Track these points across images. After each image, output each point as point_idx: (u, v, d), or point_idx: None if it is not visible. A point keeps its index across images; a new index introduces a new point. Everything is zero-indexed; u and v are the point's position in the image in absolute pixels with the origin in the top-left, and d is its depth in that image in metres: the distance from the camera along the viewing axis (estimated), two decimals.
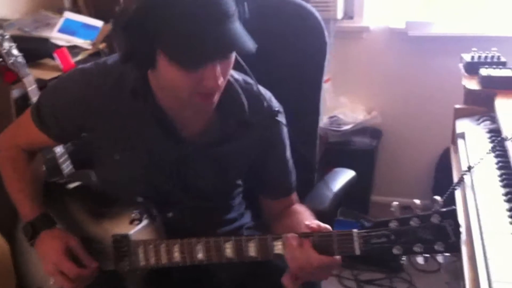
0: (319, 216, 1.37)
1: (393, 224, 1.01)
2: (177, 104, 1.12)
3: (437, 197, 1.02)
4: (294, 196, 1.32)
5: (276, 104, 1.25)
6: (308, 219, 1.17)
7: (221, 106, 1.16)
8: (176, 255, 1.13)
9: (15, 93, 1.89)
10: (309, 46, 1.52)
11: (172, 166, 1.19)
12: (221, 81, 1.02)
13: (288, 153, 1.28)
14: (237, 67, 1.16)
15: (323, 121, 2.74)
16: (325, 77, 2.31)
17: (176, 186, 1.21)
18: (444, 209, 1.00)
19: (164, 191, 1.20)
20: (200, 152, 1.19)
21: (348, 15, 2.66)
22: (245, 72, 1.19)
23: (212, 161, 1.20)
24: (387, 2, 2.64)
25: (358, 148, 2.68)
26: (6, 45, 1.71)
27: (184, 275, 1.22)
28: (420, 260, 1.02)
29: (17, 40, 1.88)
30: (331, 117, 2.73)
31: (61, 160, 1.86)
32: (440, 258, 1.02)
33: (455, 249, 1.00)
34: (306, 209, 1.27)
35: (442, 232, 0.99)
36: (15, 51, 1.74)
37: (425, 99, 2.66)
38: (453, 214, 0.99)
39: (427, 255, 1.01)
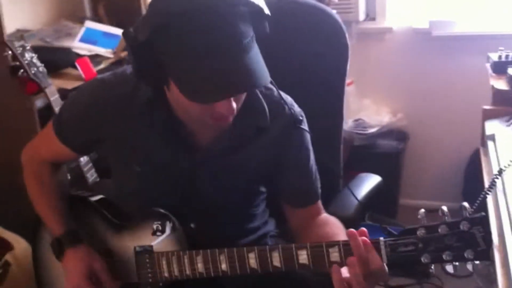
0: (344, 223, 1.36)
1: (420, 232, 0.98)
2: (191, 119, 1.11)
3: (466, 204, 0.99)
4: (319, 204, 1.29)
5: (298, 110, 1.22)
6: (342, 231, 1.15)
7: (241, 113, 1.13)
8: (200, 266, 1.11)
9: (38, 103, 1.90)
10: (330, 50, 1.50)
11: (187, 176, 1.18)
12: (235, 108, 1.01)
13: (312, 159, 1.25)
14: None
15: (348, 124, 2.71)
16: (347, 80, 2.29)
17: (194, 196, 1.19)
18: (473, 216, 0.96)
19: (183, 201, 1.19)
20: (214, 159, 1.17)
21: (370, 16, 2.63)
22: None
23: (226, 169, 1.18)
24: (409, 2, 2.60)
25: (384, 151, 2.64)
26: (28, 56, 1.72)
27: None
28: (449, 268, 0.99)
29: (39, 50, 1.89)
30: (356, 120, 2.70)
31: (85, 169, 1.87)
32: (470, 266, 0.99)
33: (486, 257, 0.96)
34: (336, 220, 1.24)
35: (471, 239, 0.96)
36: (36, 62, 1.75)
37: (451, 100, 2.60)
38: (482, 220, 0.96)
39: (457, 263, 0.98)
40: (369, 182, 1.55)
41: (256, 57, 0.98)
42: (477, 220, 0.96)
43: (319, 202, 1.29)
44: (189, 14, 0.92)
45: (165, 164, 1.17)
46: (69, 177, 1.98)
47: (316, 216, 1.27)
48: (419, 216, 1.01)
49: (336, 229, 1.17)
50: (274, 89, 1.19)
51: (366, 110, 2.71)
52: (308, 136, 1.23)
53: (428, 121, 2.69)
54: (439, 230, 0.97)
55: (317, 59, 1.50)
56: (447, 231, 0.97)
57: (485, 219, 0.96)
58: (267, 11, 1.02)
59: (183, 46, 0.94)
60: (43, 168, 1.29)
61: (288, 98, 1.22)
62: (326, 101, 1.53)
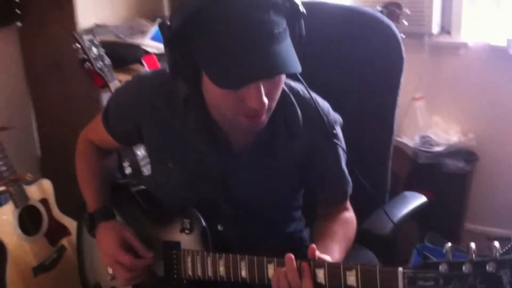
0: (379, 241, 1.32)
1: (443, 267, 0.94)
2: (226, 118, 1.11)
3: (496, 243, 0.93)
4: (347, 203, 1.30)
5: (333, 116, 1.22)
6: (341, 238, 1.16)
7: (274, 116, 1.14)
8: (221, 269, 1.13)
9: (105, 96, 2.00)
10: (383, 61, 1.48)
11: (220, 177, 1.19)
12: (266, 102, 0.99)
13: (343, 164, 1.25)
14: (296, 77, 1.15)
15: (414, 140, 2.62)
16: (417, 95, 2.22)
17: (225, 197, 1.21)
18: (502, 257, 0.91)
19: (213, 201, 1.21)
20: (246, 160, 1.18)
21: (446, 30, 2.52)
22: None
23: (259, 169, 1.19)
24: (487, 17, 2.46)
25: (450, 172, 2.52)
26: (95, 50, 1.80)
27: None
28: None
29: (111, 45, 1.98)
30: (423, 137, 2.60)
31: (142, 163, 1.94)
32: None
33: None
34: (351, 223, 1.26)
35: (497, 283, 0.91)
36: (103, 56, 1.84)
37: None
38: (511, 263, 0.90)
39: None
40: (413, 202, 1.49)
41: (287, 49, 0.98)
42: (506, 263, 0.90)
43: (347, 203, 1.30)
44: (221, 1, 0.94)
45: (198, 164, 1.19)
46: (130, 170, 2.08)
47: (341, 212, 1.28)
48: (444, 251, 0.96)
49: (341, 234, 1.20)
50: (310, 94, 1.17)
51: (435, 127, 2.61)
52: (341, 142, 1.23)
53: (500, 143, 2.54)
54: (464, 268, 0.93)
55: (371, 70, 1.49)
56: (472, 270, 0.92)
57: None
58: (302, 9, 1.03)
59: (214, 33, 0.95)
60: (90, 149, 1.37)
61: (325, 105, 1.21)
62: (376, 112, 1.51)
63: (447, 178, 2.53)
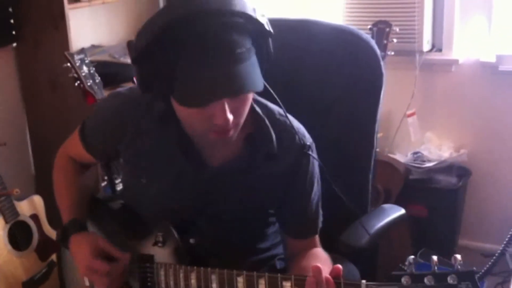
0: (356, 252, 1.33)
1: (405, 280, 0.95)
2: (198, 135, 1.13)
3: (458, 256, 0.94)
4: (317, 239, 1.30)
5: (308, 140, 1.23)
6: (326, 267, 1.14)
7: (250, 138, 1.17)
8: (193, 282, 1.14)
9: None
10: (362, 76, 1.49)
11: (195, 194, 1.20)
12: (231, 119, 1.01)
13: (316, 194, 1.26)
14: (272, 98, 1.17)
15: (407, 157, 2.63)
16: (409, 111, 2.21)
17: (199, 212, 1.22)
18: (463, 270, 0.92)
19: (187, 217, 1.22)
20: (224, 181, 1.19)
21: (437, 48, 2.54)
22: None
23: (236, 191, 1.20)
24: (477, 34, 2.49)
25: (443, 187, 2.53)
26: (85, 69, 1.85)
27: None
28: None
29: (105, 65, 2.03)
30: (415, 153, 2.61)
31: None
32: None
33: None
34: (327, 257, 1.24)
35: None
36: (94, 75, 1.88)
37: None
38: (471, 276, 0.91)
39: None
40: (390, 214, 1.49)
41: (250, 68, 1.00)
42: (466, 275, 0.91)
43: (316, 237, 1.29)
44: (184, 21, 0.96)
45: (173, 179, 1.20)
46: (121, 187, 2.09)
47: (311, 248, 1.27)
48: (406, 263, 0.97)
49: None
50: (286, 116, 1.20)
51: (428, 143, 2.62)
52: (316, 168, 1.23)
53: (493, 159, 2.55)
54: (425, 280, 0.93)
55: (352, 86, 1.50)
56: (433, 282, 0.93)
57: (474, 275, 0.91)
58: (268, 28, 1.05)
59: (177, 53, 0.98)
60: (69, 164, 1.39)
61: (300, 128, 1.23)
62: (357, 127, 1.52)
63: (440, 194, 2.53)
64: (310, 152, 1.21)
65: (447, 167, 2.53)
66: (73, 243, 1.26)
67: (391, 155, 2.62)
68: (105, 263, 1.21)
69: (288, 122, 1.20)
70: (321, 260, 1.18)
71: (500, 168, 2.55)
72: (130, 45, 1.04)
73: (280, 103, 1.19)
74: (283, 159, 1.19)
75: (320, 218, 1.29)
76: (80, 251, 1.23)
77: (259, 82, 1.02)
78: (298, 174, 1.22)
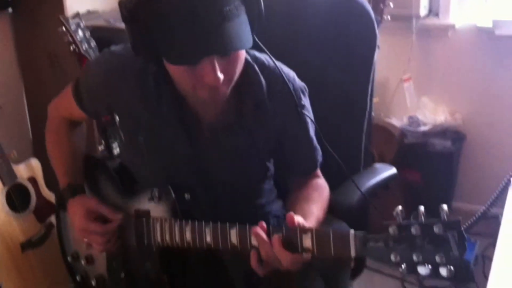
0: (348, 210, 1.35)
1: (392, 230, 0.97)
2: (190, 94, 1.14)
3: (444, 206, 0.97)
4: (318, 172, 1.33)
5: (299, 84, 1.24)
6: (318, 202, 1.19)
7: (239, 87, 1.16)
8: (188, 236, 1.17)
9: None
10: (356, 38, 1.49)
11: (189, 149, 1.22)
12: (221, 78, 1.02)
13: (312, 132, 1.28)
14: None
15: (402, 121, 2.65)
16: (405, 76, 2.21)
17: (193, 169, 1.24)
18: (449, 220, 0.94)
19: (181, 173, 1.24)
20: (216, 135, 1.20)
21: (434, 12, 2.53)
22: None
23: (228, 144, 1.21)
24: None
25: (437, 151, 2.55)
26: (81, 33, 1.84)
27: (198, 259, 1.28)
28: (422, 271, 0.97)
29: (99, 30, 2.02)
30: (411, 117, 2.62)
31: None
32: (444, 271, 0.96)
33: (457, 263, 0.94)
34: (323, 189, 1.28)
35: (444, 243, 0.94)
36: (89, 39, 1.87)
37: None
38: (457, 225, 0.93)
39: (430, 267, 0.96)
40: (382, 173, 1.51)
41: (238, 26, 1.00)
42: (452, 225, 0.93)
43: (318, 171, 1.33)
44: None
45: (167, 139, 1.21)
46: (118, 151, 2.11)
47: (312, 179, 1.31)
48: (394, 213, 0.99)
49: (315, 196, 1.23)
50: (275, 63, 1.20)
51: (423, 108, 2.63)
52: (308, 110, 1.25)
53: (487, 123, 2.57)
54: (412, 230, 0.96)
55: (346, 47, 1.50)
56: (420, 232, 0.95)
57: (460, 224, 0.94)
58: None
59: (164, 12, 0.97)
60: (61, 125, 1.40)
61: (290, 73, 1.23)
62: (351, 88, 1.53)
63: (434, 158, 2.55)
64: (301, 99, 1.22)
65: (442, 131, 2.55)
66: (70, 207, 1.29)
67: (387, 120, 2.64)
68: (98, 224, 1.25)
69: (277, 68, 1.20)
70: (316, 191, 1.25)
71: (495, 132, 2.57)
72: (120, 4, 1.04)
73: (267, 51, 1.18)
74: (274, 106, 1.20)
75: (319, 153, 1.30)
76: (76, 215, 1.26)
77: (248, 40, 1.02)
78: (291, 122, 1.23)
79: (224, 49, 1.00)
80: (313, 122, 1.27)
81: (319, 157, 1.31)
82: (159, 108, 1.19)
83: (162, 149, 1.23)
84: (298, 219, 1.06)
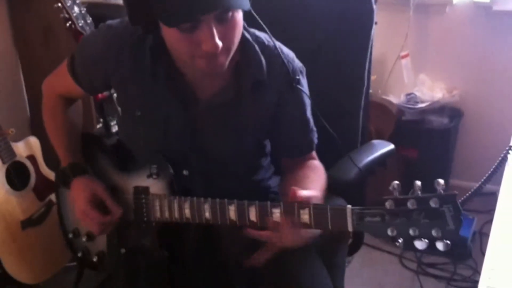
0: (345, 186, 1.36)
1: (389, 204, 0.98)
2: (188, 66, 1.13)
3: (440, 180, 0.97)
4: (313, 154, 1.33)
5: (298, 65, 1.23)
6: (315, 181, 1.19)
7: (238, 66, 1.17)
8: (187, 212, 1.18)
9: None
10: (353, 13, 1.49)
11: (186, 126, 1.22)
12: (219, 44, 1.01)
13: (308, 113, 1.27)
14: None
15: (400, 98, 2.65)
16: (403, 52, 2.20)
17: (190, 146, 1.24)
18: (445, 193, 0.95)
19: (179, 149, 1.24)
20: (213, 112, 1.20)
21: None
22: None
23: (225, 121, 1.22)
24: None
25: (435, 128, 2.56)
26: (76, 9, 1.83)
27: (198, 235, 1.29)
28: (419, 245, 0.98)
29: (94, 6, 2.00)
30: (408, 94, 2.63)
31: None
32: (440, 245, 0.97)
33: (453, 237, 0.95)
34: (319, 168, 1.28)
35: (440, 217, 0.95)
36: (85, 15, 1.86)
37: (510, 79, 2.46)
38: (453, 199, 0.94)
39: (426, 241, 0.97)
40: (379, 149, 1.52)
41: None
42: (448, 198, 0.94)
43: (313, 153, 1.33)
44: None
45: (164, 114, 1.21)
46: (116, 128, 2.11)
47: (307, 161, 1.31)
48: (390, 188, 1.00)
49: (312, 175, 1.23)
50: (274, 43, 1.20)
51: (421, 85, 2.63)
52: (305, 90, 1.25)
53: (485, 100, 2.58)
54: (408, 204, 0.97)
55: (343, 23, 1.50)
56: (416, 206, 0.96)
57: (456, 198, 0.95)
58: None
59: None
60: (57, 104, 1.39)
61: (289, 53, 1.23)
62: (348, 65, 1.53)
63: (432, 135, 2.57)
64: (299, 81, 1.22)
65: (439, 108, 2.56)
66: (74, 186, 1.29)
67: (384, 97, 2.64)
68: (99, 214, 1.25)
69: (277, 48, 1.20)
70: (313, 171, 1.24)
71: (492, 109, 2.58)
72: None
73: (267, 30, 1.19)
74: (272, 86, 1.20)
75: (315, 135, 1.31)
76: (79, 195, 1.26)
77: (245, 1, 1.02)
78: (287, 104, 1.23)
79: (220, 6, 0.98)
80: (310, 100, 1.27)
81: (315, 139, 1.31)
82: (155, 81, 1.18)
83: (158, 123, 1.23)
84: (302, 192, 1.06)
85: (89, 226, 1.29)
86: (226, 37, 1.04)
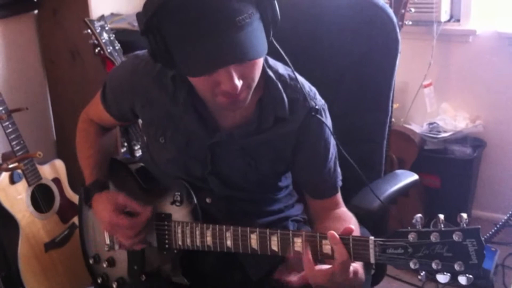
0: (368, 217, 1.36)
1: (411, 236, 0.98)
2: (209, 100, 1.15)
3: (464, 214, 0.97)
4: (338, 197, 1.31)
5: (319, 103, 1.24)
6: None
7: (261, 100, 1.19)
8: (208, 240, 1.18)
9: None
10: (378, 43, 1.49)
11: (206, 154, 1.24)
12: (239, 84, 1.03)
13: (332, 152, 1.27)
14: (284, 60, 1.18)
15: (422, 127, 2.64)
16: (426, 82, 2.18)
17: (211, 174, 1.26)
18: (468, 227, 0.95)
19: (200, 177, 1.26)
20: (232, 142, 1.22)
21: (455, 18, 2.53)
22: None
23: (243, 152, 1.23)
24: (495, 5, 2.47)
25: (457, 158, 2.54)
26: (105, 35, 1.88)
27: (218, 262, 1.29)
28: (441, 279, 0.98)
29: (122, 32, 2.05)
30: (431, 123, 2.62)
31: None
32: (463, 279, 0.97)
33: (476, 272, 0.95)
34: (351, 217, 1.25)
35: (463, 251, 0.95)
36: (114, 42, 1.91)
37: None
38: (477, 233, 0.94)
39: (448, 275, 0.97)
40: (403, 179, 1.51)
41: (252, 34, 1.00)
42: (472, 232, 0.94)
43: (338, 196, 1.31)
44: None
45: (186, 141, 1.24)
46: (140, 153, 2.13)
47: (334, 209, 1.29)
48: (413, 221, 1.00)
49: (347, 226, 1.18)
50: (297, 79, 1.21)
51: (443, 114, 2.62)
52: (327, 129, 1.24)
53: (509, 130, 2.56)
54: (431, 237, 0.97)
55: (365, 52, 1.50)
56: (439, 239, 0.96)
57: (479, 232, 0.94)
58: None
59: (177, 23, 0.99)
60: (90, 127, 1.44)
61: (312, 89, 1.25)
62: (370, 93, 1.53)
63: (454, 164, 2.55)
64: (318, 115, 1.22)
65: (462, 138, 2.55)
66: (95, 201, 1.31)
67: (407, 126, 2.64)
68: (126, 217, 1.24)
69: (299, 85, 1.21)
70: (347, 222, 1.20)
71: None
72: (138, 16, 1.06)
73: (290, 64, 1.20)
74: (293, 121, 1.21)
75: (339, 177, 1.30)
76: (102, 209, 1.27)
77: (263, 48, 1.03)
78: (307, 135, 1.23)
79: (238, 59, 1.01)
80: (333, 140, 1.26)
81: (339, 181, 1.30)
82: (178, 108, 1.21)
83: (180, 149, 1.25)
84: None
85: (119, 236, 1.28)
86: (246, 76, 1.05)
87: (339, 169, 1.30)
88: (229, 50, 0.98)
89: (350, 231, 1.04)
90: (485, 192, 2.67)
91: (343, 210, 1.30)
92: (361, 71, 1.52)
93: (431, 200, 2.56)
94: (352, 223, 1.21)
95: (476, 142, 2.57)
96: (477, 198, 2.68)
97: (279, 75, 1.21)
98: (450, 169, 2.55)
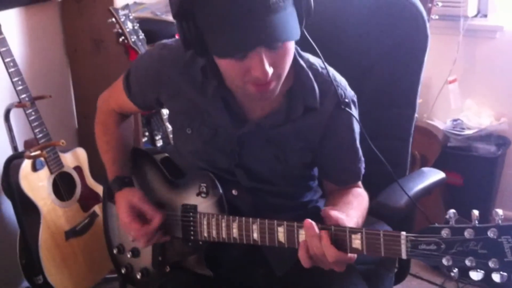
0: (395, 213, 1.34)
1: (445, 232, 0.96)
2: (239, 89, 1.14)
3: (499, 210, 0.95)
4: (360, 185, 1.31)
5: (349, 94, 1.23)
6: (355, 208, 1.17)
7: (291, 91, 1.17)
8: (235, 232, 1.17)
9: None
10: (407, 38, 1.47)
11: (233, 143, 1.22)
12: (269, 71, 1.02)
13: (357, 141, 1.26)
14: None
15: (446, 124, 2.61)
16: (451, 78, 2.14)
17: (237, 166, 1.24)
18: (504, 224, 0.93)
19: (227, 169, 1.25)
20: (260, 133, 1.21)
21: (482, 13, 2.49)
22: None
23: (273, 142, 1.22)
24: None
25: (481, 155, 2.50)
26: (129, 24, 1.87)
27: (242, 256, 1.28)
28: (474, 276, 0.96)
29: (147, 21, 2.04)
30: (455, 120, 2.58)
31: (171, 136, 2.00)
32: (497, 277, 0.94)
33: (511, 269, 0.92)
34: (364, 196, 1.27)
35: (498, 248, 0.92)
36: (138, 31, 1.90)
37: None
38: None
39: (482, 272, 0.94)
40: (430, 177, 1.49)
41: (285, 18, 0.99)
42: (507, 229, 0.93)
43: (359, 183, 1.31)
44: None
45: (213, 132, 1.23)
46: (161, 143, 2.13)
47: (352, 188, 1.29)
48: (447, 216, 0.98)
49: (355, 203, 1.21)
50: (328, 69, 1.20)
51: (467, 110, 2.58)
52: (355, 121, 1.24)
53: None
54: (465, 233, 0.95)
55: (393, 47, 1.48)
56: (473, 235, 0.94)
57: None
58: None
59: (211, 6, 0.98)
60: (110, 118, 1.41)
61: (342, 81, 1.23)
62: (398, 89, 1.51)
63: (477, 162, 2.51)
64: (347, 108, 1.21)
65: (486, 136, 2.51)
66: (117, 199, 1.30)
67: (430, 122, 2.60)
68: (138, 224, 1.24)
69: (330, 75, 1.20)
70: (355, 197, 1.23)
71: None
72: (171, 1, 1.05)
73: (321, 55, 1.18)
74: (322, 111, 1.20)
75: (363, 165, 1.29)
76: (121, 209, 1.27)
77: (295, 32, 1.02)
78: (336, 126, 1.22)
79: (270, 40, 1.00)
80: (359, 129, 1.26)
81: (363, 169, 1.30)
82: (206, 99, 1.20)
83: (207, 140, 1.24)
84: (334, 212, 1.06)
85: (133, 237, 1.29)
86: (277, 64, 1.04)
87: (363, 158, 1.29)
88: (262, 31, 0.97)
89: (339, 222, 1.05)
90: (509, 191, 2.62)
91: (361, 189, 1.31)
92: (389, 65, 1.50)
93: (453, 198, 2.52)
94: (362, 201, 1.25)
95: (500, 140, 2.53)
96: (500, 197, 2.64)
97: (310, 64, 1.20)
98: (473, 167, 2.51)
